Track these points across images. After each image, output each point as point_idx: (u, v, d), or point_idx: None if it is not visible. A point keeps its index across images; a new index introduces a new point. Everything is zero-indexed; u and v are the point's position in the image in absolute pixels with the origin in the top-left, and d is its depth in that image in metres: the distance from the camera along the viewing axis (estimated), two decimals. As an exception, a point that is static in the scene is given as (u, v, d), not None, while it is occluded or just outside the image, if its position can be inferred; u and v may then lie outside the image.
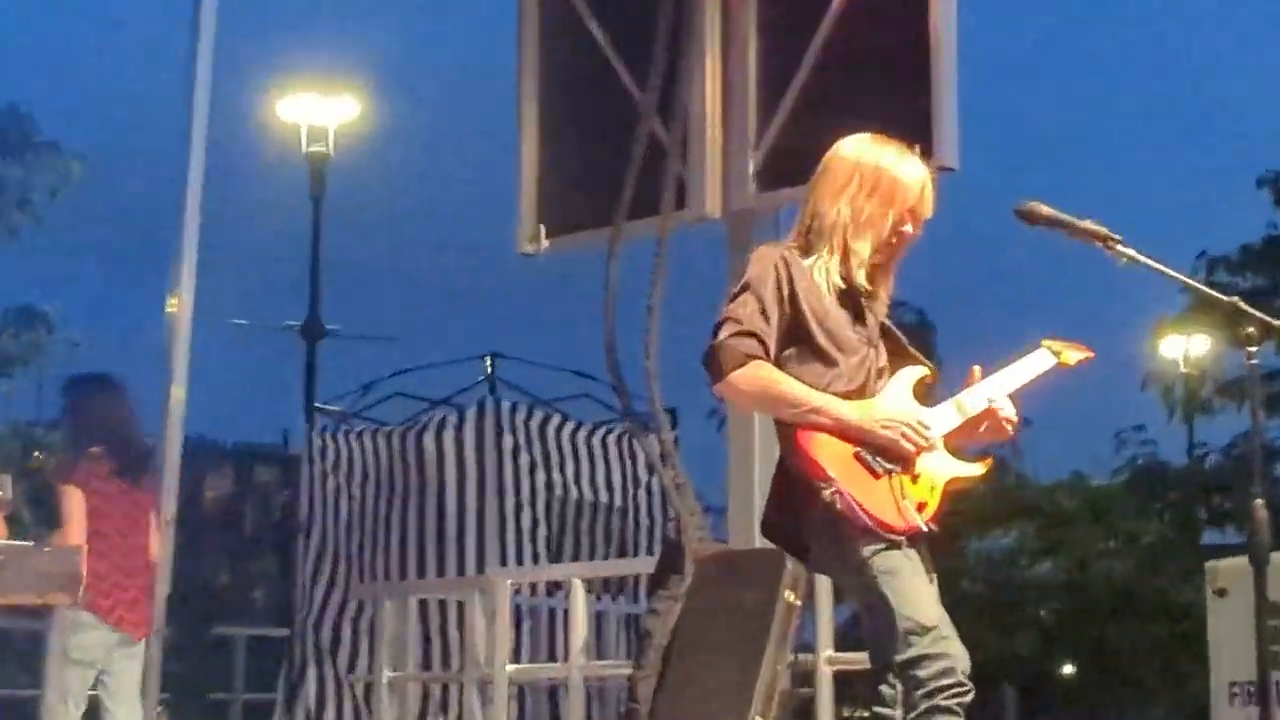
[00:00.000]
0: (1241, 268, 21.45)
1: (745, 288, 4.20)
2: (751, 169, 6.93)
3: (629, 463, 11.49)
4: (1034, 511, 24.52)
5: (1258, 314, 4.19)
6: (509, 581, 8.14)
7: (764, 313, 4.15)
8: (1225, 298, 4.24)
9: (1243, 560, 9.62)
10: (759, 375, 4.11)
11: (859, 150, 4.30)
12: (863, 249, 4.21)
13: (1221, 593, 9.39)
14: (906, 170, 4.25)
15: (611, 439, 11.47)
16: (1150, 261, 4.20)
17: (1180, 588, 22.25)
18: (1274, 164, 21.71)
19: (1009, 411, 4.31)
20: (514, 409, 11.07)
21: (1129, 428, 24.46)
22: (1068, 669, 25.21)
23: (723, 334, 4.15)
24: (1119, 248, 4.20)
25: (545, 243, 7.52)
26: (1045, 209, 4.26)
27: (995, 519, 24.27)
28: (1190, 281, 4.35)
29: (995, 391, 4.31)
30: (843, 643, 7.02)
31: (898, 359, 4.33)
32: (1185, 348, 24.98)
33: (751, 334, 4.13)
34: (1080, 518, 24.42)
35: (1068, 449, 26.83)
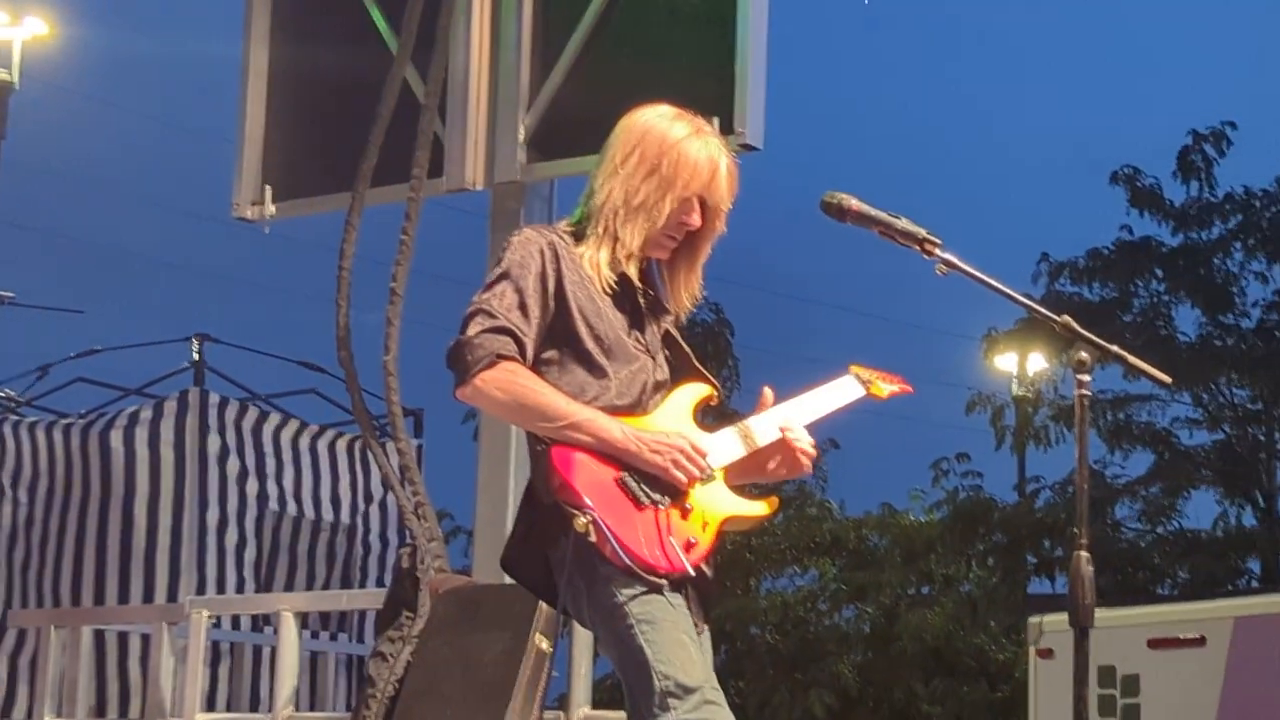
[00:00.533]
0: (1088, 275, 21.98)
1: (503, 276, 4.20)
2: (521, 135, 6.96)
3: (360, 474, 11.45)
4: (837, 549, 24.93)
5: (1090, 335, 4.32)
6: (206, 612, 8.06)
7: (523, 307, 4.16)
8: (1056, 316, 4.36)
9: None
10: (511, 380, 4.11)
11: (646, 123, 4.33)
12: (631, 238, 4.24)
13: (1046, 653, 9.69)
14: (696, 150, 4.27)
15: (341, 445, 11.43)
16: (972, 270, 4.30)
17: (1002, 644, 22.82)
18: (1130, 159, 22.33)
19: (805, 443, 4.36)
20: (224, 404, 10.95)
21: (951, 456, 25.00)
22: (869, 734, 25.65)
23: (472, 328, 4.14)
24: (937, 252, 4.29)
25: (271, 208, 7.49)
26: (855, 203, 4.34)
27: (793, 555, 24.63)
28: (1016, 295, 4.45)
29: (790, 420, 4.35)
30: (608, 698, 7.09)
31: (680, 374, 4.36)
32: (1019, 367, 25.58)
33: (506, 330, 4.12)
34: (890, 558, 24.88)
35: (880, 477, 27.37)
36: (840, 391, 4.51)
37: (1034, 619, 10.01)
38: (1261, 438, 22.02)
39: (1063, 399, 22.45)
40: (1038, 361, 24.44)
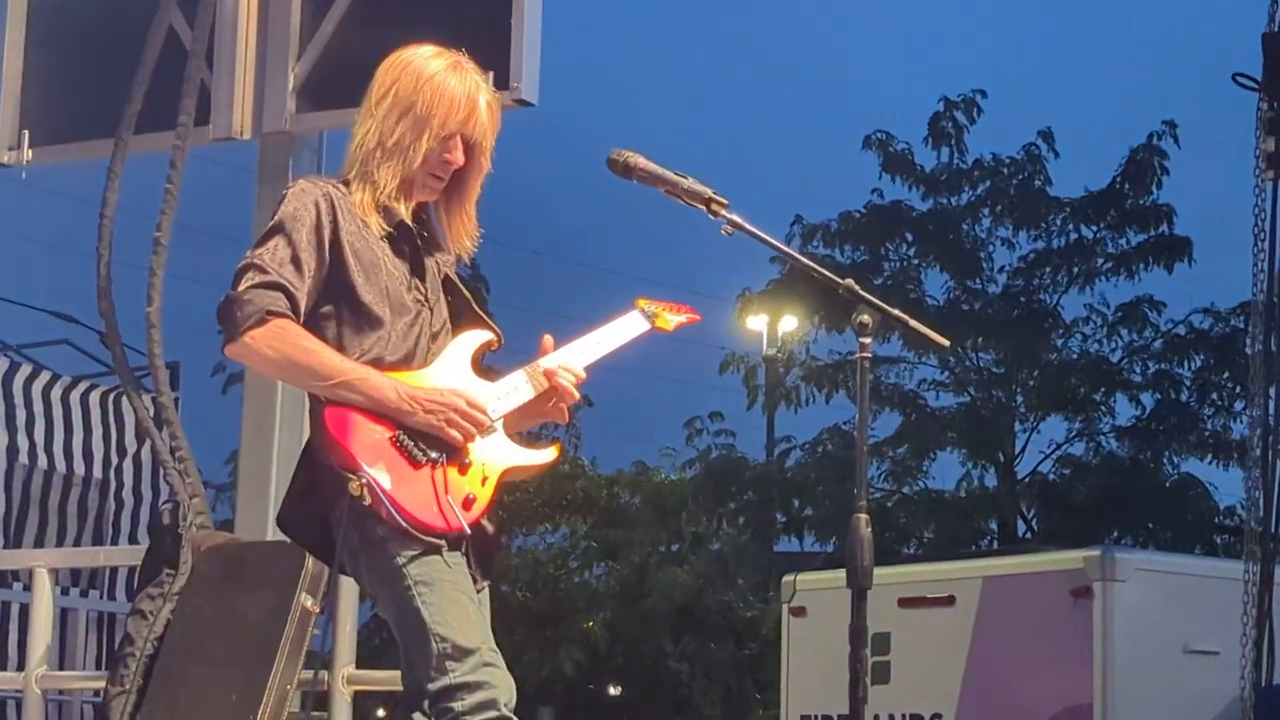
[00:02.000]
0: (840, 238, 22.22)
1: (276, 229, 4.10)
2: (291, 84, 6.83)
3: (114, 428, 11.23)
4: (589, 506, 25.02)
5: (872, 299, 4.35)
6: (-46, 568, 7.84)
7: (296, 260, 4.06)
8: (839, 279, 4.38)
9: (824, 575, 10.01)
10: (282, 337, 4.01)
11: (402, 62, 4.24)
12: (386, 180, 4.15)
13: (799, 611, 9.79)
14: (454, 86, 4.19)
15: (95, 397, 11.18)
16: (758, 232, 4.31)
17: (750, 602, 23.09)
18: (884, 123, 22.58)
19: (569, 385, 4.25)
20: (-28, 353, 10.68)
21: (704, 415, 25.18)
22: (615, 690, 25.83)
23: (242, 284, 4.03)
24: (723, 212, 4.29)
25: (28, 153, 7.28)
26: (642, 161, 4.32)
27: (544, 513, 24.67)
28: (802, 259, 4.50)
29: (575, 361, 4.29)
30: (371, 658, 7.04)
31: (461, 319, 4.29)
32: (769, 328, 25.82)
33: (278, 286, 4.03)
34: (642, 516, 25.05)
35: (633, 435, 27.53)
36: (627, 327, 4.46)
37: (787, 577, 10.07)
38: (1004, 401, 22.47)
39: (814, 360, 22.70)
40: (790, 323, 24.67)
